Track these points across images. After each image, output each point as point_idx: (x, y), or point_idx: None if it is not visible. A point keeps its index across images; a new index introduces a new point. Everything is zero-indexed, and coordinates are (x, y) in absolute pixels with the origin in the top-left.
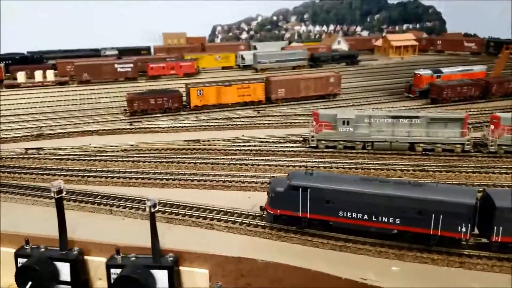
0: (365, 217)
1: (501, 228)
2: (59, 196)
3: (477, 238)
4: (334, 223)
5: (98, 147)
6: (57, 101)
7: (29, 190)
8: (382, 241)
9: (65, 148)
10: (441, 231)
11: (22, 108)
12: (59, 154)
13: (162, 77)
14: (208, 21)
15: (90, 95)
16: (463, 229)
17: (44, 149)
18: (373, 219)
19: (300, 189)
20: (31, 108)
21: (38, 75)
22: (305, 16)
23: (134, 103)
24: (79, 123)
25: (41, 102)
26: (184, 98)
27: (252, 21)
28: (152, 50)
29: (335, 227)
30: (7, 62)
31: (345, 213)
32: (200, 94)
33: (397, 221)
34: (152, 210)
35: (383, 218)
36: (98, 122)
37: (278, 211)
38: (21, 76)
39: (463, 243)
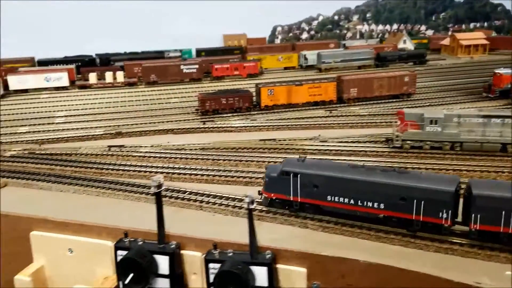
0: (351, 201)
1: (479, 216)
2: (158, 190)
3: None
4: (323, 207)
5: (177, 145)
6: (128, 101)
7: (119, 185)
8: (492, 244)
9: (145, 146)
10: (423, 217)
11: (97, 108)
12: (141, 152)
13: (226, 78)
14: (268, 22)
15: (159, 95)
16: (444, 215)
17: (125, 147)
18: (359, 204)
19: (291, 174)
20: (105, 107)
21: (108, 76)
22: (368, 15)
23: (206, 103)
24: (154, 122)
25: (114, 102)
26: (254, 98)
27: (313, 21)
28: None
29: (327, 211)
30: (77, 64)
31: (332, 197)
32: (270, 93)
33: (382, 206)
34: (251, 206)
35: (368, 203)
36: (171, 121)
37: (272, 194)
38: (92, 77)
39: (445, 230)
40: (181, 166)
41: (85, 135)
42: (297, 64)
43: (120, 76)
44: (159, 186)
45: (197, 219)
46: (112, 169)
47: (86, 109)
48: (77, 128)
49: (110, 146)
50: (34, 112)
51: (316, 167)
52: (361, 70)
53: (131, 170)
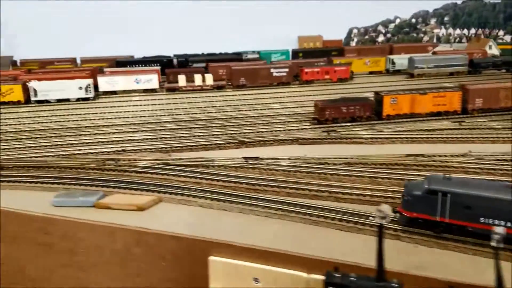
0: (508, 224)
1: None
2: (383, 221)
3: None
4: (473, 229)
5: (317, 159)
6: (226, 106)
7: (278, 204)
8: None
9: (283, 158)
10: None
11: (201, 113)
12: (282, 165)
13: (315, 82)
14: (344, 24)
15: (254, 99)
16: None
17: (262, 159)
18: None
19: (439, 193)
20: (209, 112)
21: (198, 79)
22: (445, 18)
23: (326, 111)
24: (271, 131)
25: (213, 107)
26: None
27: (390, 23)
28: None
29: (472, 233)
30: (155, 64)
31: (487, 219)
32: (394, 102)
33: None
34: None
35: None
36: (288, 130)
37: (414, 214)
38: (182, 80)
39: None
40: (338, 184)
41: (208, 144)
42: (384, 69)
43: (210, 78)
44: (385, 217)
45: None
46: (259, 185)
47: (190, 113)
48: (196, 136)
49: (246, 158)
50: (137, 117)
51: (469, 186)
52: (485, 79)
53: (280, 187)
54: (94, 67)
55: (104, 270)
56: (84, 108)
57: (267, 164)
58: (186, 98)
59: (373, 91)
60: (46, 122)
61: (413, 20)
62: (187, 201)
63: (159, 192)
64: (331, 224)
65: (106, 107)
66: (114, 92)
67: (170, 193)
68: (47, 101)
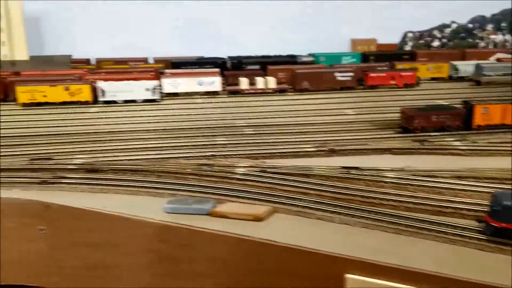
0: None
1: None
2: None
3: None
4: None
5: (422, 171)
6: (296, 110)
7: (405, 219)
8: None
9: (386, 169)
10: None
11: (272, 117)
12: (387, 176)
13: (380, 87)
14: (399, 27)
15: (324, 104)
16: None
17: (362, 169)
18: None
19: None
20: (279, 117)
21: (260, 82)
22: (502, 24)
23: (415, 120)
24: (356, 138)
25: (281, 111)
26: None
27: (445, 28)
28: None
29: None
30: (210, 66)
31: None
32: (485, 112)
33: None
34: None
35: None
36: (374, 138)
37: (503, 224)
38: (244, 83)
39: None
40: (459, 200)
41: (297, 151)
42: (447, 75)
43: (272, 82)
44: None
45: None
46: (379, 198)
47: (261, 118)
48: (279, 142)
49: (346, 168)
50: (208, 120)
51: None
52: None
53: (404, 202)
54: (155, 68)
55: (222, 283)
56: (151, 110)
57: (371, 176)
58: (250, 101)
59: (443, 99)
60: (118, 124)
61: (470, 25)
62: (304, 213)
63: (269, 201)
64: (478, 245)
65: (173, 109)
66: (176, 94)
67: (284, 204)
68: (114, 102)
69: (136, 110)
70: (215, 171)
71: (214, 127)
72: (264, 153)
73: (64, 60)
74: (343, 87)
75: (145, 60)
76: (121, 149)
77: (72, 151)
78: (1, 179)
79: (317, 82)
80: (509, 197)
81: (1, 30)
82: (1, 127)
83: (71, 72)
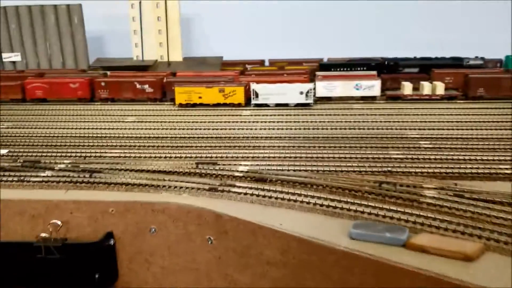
0: None
1: None
2: None
3: None
4: None
5: None
6: (472, 122)
7: None
8: None
9: None
10: None
11: (448, 129)
12: None
13: None
14: None
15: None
16: None
17: None
18: None
19: None
20: (455, 128)
21: (427, 87)
22: None
23: None
24: None
25: (457, 121)
26: None
27: None
28: None
29: None
30: (362, 68)
31: None
32: None
33: None
34: None
35: None
36: None
37: None
38: (408, 87)
39: None
40: None
41: (493, 172)
42: None
43: (441, 87)
44: None
45: None
46: None
47: (434, 129)
48: (466, 160)
49: None
50: (373, 128)
51: None
52: None
53: None
54: (307, 70)
55: None
56: (305, 115)
57: None
58: (415, 109)
59: None
60: (271, 129)
61: None
62: None
63: (473, 235)
64: None
65: (328, 114)
66: (329, 98)
67: (494, 240)
68: (266, 105)
69: (290, 115)
70: (400, 192)
71: (381, 137)
72: (452, 173)
73: (216, 62)
74: None
75: (261, 63)
76: (282, 157)
77: (235, 157)
78: (170, 182)
79: (495, 88)
80: None
81: (160, 31)
82: (160, 127)
83: (224, 74)
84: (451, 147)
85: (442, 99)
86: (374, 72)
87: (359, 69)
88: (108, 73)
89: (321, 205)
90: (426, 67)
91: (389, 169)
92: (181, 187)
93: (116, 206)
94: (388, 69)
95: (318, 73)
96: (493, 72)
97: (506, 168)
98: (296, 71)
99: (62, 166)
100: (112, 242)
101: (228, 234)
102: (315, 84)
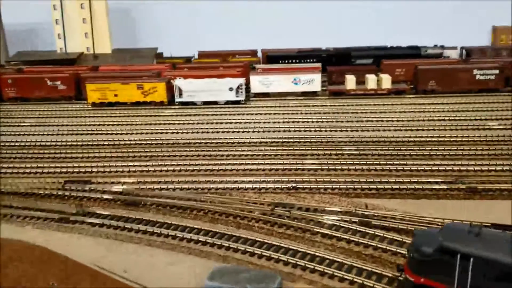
0: None
1: None
2: None
3: None
4: None
5: None
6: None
7: None
8: None
9: None
10: None
11: (396, 129)
12: None
13: None
14: None
15: (469, 112)
16: None
17: None
18: None
19: (458, 255)
20: (405, 129)
21: (371, 81)
22: None
23: None
24: None
25: (408, 121)
26: None
27: None
28: None
29: None
30: (312, 60)
31: None
32: None
33: None
34: None
35: None
36: None
37: (422, 279)
38: (351, 81)
39: None
40: None
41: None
42: None
43: (387, 80)
44: None
45: None
46: None
47: (380, 130)
48: (402, 170)
49: None
50: (302, 130)
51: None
52: None
53: None
54: (245, 63)
55: None
56: (233, 114)
57: None
58: (358, 105)
59: None
60: (188, 132)
61: None
62: None
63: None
64: None
65: (260, 113)
66: (266, 94)
67: None
68: (193, 103)
69: (216, 114)
70: (294, 218)
71: (305, 142)
72: (369, 189)
73: (149, 53)
74: (484, 88)
75: (252, 53)
76: (177, 171)
77: (118, 171)
78: (16, 210)
79: (449, 82)
80: (428, 239)
81: (84, 20)
82: (55, 133)
83: (152, 68)
84: (379, 153)
85: (389, 93)
86: (318, 65)
87: (308, 60)
88: (24, 68)
89: (189, 240)
90: (381, 58)
91: (295, 185)
92: (26, 217)
93: None
94: (340, 61)
95: (257, 66)
96: (448, 62)
97: (436, 182)
98: (236, 64)
99: None
100: None
101: (70, 279)
102: (249, 78)
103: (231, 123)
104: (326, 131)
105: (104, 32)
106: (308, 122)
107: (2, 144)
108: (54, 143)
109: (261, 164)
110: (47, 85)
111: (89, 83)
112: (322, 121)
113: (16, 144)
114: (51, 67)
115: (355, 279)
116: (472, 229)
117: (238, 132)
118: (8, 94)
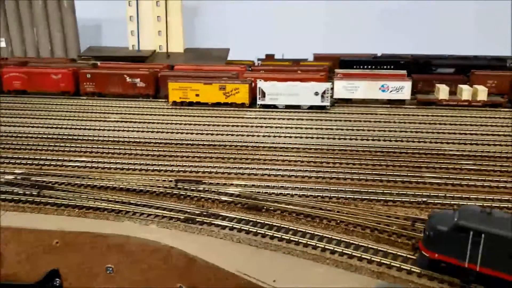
0: None
1: None
2: None
3: None
4: None
5: None
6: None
7: None
8: None
9: None
10: None
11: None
12: None
13: None
14: None
15: None
16: None
17: None
18: None
19: (471, 232)
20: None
21: (466, 92)
22: None
23: None
24: None
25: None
26: None
27: None
28: None
29: None
30: (389, 67)
31: None
32: None
33: None
34: None
35: None
36: None
37: (436, 255)
38: (443, 91)
39: None
40: None
41: None
42: None
43: (483, 92)
44: None
45: None
46: None
47: (478, 144)
48: None
49: None
50: (404, 140)
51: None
52: None
53: None
54: (325, 67)
55: None
56: (319, 120)
57: None
58: (451, 116)
59: None
60: (277, 136)
61: None
62: None
63: None
64: None
65: (348, 120)
66: (349, 100)
67: None
68: (275, 106)
69: (302, 119)
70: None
71: (413, 152)
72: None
73: (222, 54)
74: None
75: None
76: (286, 176)
77: (226, 173)
78: (137, 207)
79: None
80: (444, 219)
81: (158, 18)
82: (144, 130)
83: (227, 69)
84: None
85: (484, 106)
86: (404, 72)
87: (385, 67)
88: (99, 63)
89: (333, 252)
90: (463, 68)
91: (425, 199)
92: (149, 215)
93: (62, 237)
94: (419, 69)
95: (337, 70)
96: None
97: None
98: (312, 67)
99: (11, 177)
100: (57, 282)
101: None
102: (333, 83)
103: (321, 128)
104: (430, 142)
105: (177, 31)
106: (406, 132)
107: (96, 139)
108: (148, 141)
109: (371, 174)
110: (125, 82)
111: (171, 82)
112: (417, 131)
113: (109, 139)
114: (126, 63)
115: None
116: (484, 210)
117: (332, 139)
118: (86, 89)
